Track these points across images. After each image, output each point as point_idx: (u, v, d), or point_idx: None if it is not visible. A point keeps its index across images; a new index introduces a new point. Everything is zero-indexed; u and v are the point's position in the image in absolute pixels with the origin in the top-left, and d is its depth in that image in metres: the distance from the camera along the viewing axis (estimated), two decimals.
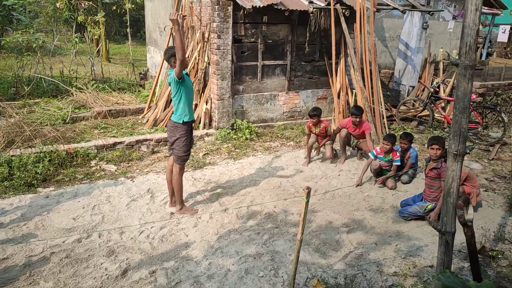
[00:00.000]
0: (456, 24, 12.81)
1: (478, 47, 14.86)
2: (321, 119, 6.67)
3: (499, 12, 14.07)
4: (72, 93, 9.18)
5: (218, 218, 4.78)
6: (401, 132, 6.41)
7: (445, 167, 4.61)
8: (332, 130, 6.89)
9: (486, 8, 13.49)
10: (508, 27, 18.37)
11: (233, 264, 3.90)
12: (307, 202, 3.22)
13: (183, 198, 4.98)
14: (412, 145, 7.59)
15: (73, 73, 10.57)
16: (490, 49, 16.53)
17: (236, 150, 7.08)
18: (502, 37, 18.17)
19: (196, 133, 7.47)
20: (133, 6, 13.27)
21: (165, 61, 4.62)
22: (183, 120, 4.57)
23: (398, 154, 5.92)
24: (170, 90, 4.76)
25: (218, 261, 3.95)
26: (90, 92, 9.30)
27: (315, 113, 6.45)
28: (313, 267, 3.91)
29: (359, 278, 3.77)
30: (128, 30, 13.11)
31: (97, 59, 12.26)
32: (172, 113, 4.71)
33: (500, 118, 8.36)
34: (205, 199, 5.26)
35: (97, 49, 12.73)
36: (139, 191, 5.38)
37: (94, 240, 4.25)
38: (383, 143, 5.91)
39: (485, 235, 4.51)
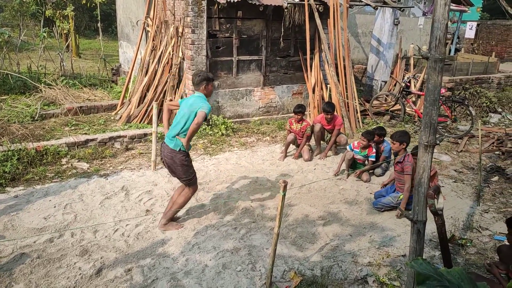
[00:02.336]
0: (426, 21, 13.15)
1: (447, 43, 15.28)
2: (304, 118, 6.66)
3: (466, 9, 14.53)
4: (40, 90, 8.89)
5: (195, 214, 4.75)
6: (375, 126, 6.55)
7: (408, 161, 4.74)
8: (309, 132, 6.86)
9: (454, 5, 13.90)
10: (474, 24, 19.01)
11: (210, 260, 3.89)
12: (284, 195, 3.25)
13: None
14: (385, 138, 7.78)
15: (42, 69, 10.22)
16: (458, 45, 17.05)
17: (212, 145, 7.04)
18: (469, 34, 18.79)
19: None
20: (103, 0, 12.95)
21: (193, 84, 4.34)
22: (180, 149, 4.19)
23: (374, 150, 6.04)
24: (178, 109, 4.37)
25: (195, 257, 3.93)
26: (60, 89, 9.03)
27: (300, 110, 6.47)
28: (290, 260, 3.94)
29: (335, 269, 3.83)
30: (99, 24, 12.77)
31: (66, 54, 11.88)
32: (166, 135, 4.28)
33: (468, 112, 8.66)
34: None
35: (67, 44, 12.34)
36: (113, 188, 5.27)
37: (67, 239, 4.14)
38: (361, 139, 6.00)
39: (454, 224, 4.67)
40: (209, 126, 7.56)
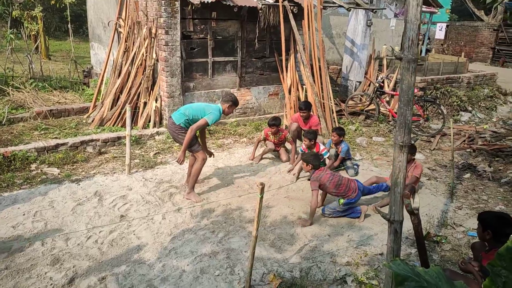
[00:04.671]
0: (398, 22, 13.42)
1: (418, 43, 15.68)
2: (280, 127, 6.56)
3: (436, 10, 14.94)
4: (8, 93, 8.55)
5: (171, 218, 4.65)
6: (335, 127, 6.63)
7: (313, 177, 4.68)
8: (290, 138, 6.74)
9: (425, 6, 14.25)
10: (444, 25, 19.58)
11: (188, 265, 3.81)
12: (261, 198, 3.21)
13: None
14: (360, 137, 7.89)
15: (9, 71, 9.84)
16: (429, 46, 17.52)
17: None
18: (439, 34, 19.34)
19: (146, 132, 7.24)
20: (73, 0, 12.59)
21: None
22: (180, 124, 4.94)
23: (323, 147, 6.05)
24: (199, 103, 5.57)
25: (172, 262, 3.85)
26: (29, 92, 8.72)
27: (274, 123, 6.36)
28: (269, 262, 3.91)
29: (314, 270, 3.83)
30: (69, 25, 12.43)
31: (35, 56, 11.52)
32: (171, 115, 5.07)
33: (439, 111, 8.88)
34: (157, 199, 5.10)
35: (35, 45, 11.94)
36: (86, 194, 5.11)
37: (37, 248, 3.97)
38: (304, 139, 5.98)
39: (429, 222, 4.76)
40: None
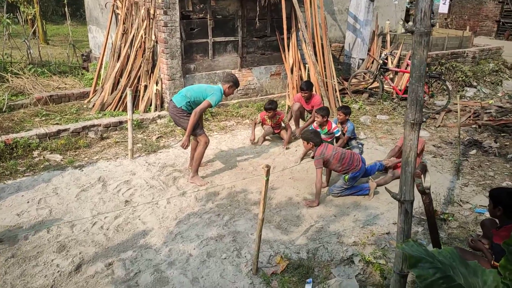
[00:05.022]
0: None
1: (431, 16, 15.33)
2: (277, 111, 6.44)
3: None
4: (7, 79, 8.45)
5: (176, 202, 4.62)
6: (339, 105, 6.50)
7: (316, 155, 4.62)
8: (287, 122, 6.65)
9: None
10: None
11: (194, 249, 3.80)
12: (267, 180, 3.16)
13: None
14: (364, 116, 7.80)
15: (7, 57, 9.71)
16: (432, 20, 17.14)
17: None
18: (443, 9, 18.91)
19: (148, 115, 7.17)
20: None
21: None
22: (182, 107, 4.86)
23: (334, 125, 5.94)
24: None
25: (179, 246, 3.83)
26: (28, 77, 8.61)
27: (271, 107, 6.24)
28: (275, 244, 3.89)
29: (320, 251, 3.81)
30: (66, 9, 12.18)
31: (33, 41, 11.33)
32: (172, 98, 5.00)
33: (444, 87, 8.73)
34: (161, 184, 5.07)
35: (33, 30, 11.75)
36: (89, 180, 5.08)
37: (43, 236, 3.96)
38: (316, 116, 5.92)
39: (436, 199, 4.71)
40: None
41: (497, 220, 3.02)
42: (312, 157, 4.93)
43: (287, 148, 6.31)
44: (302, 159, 5.87)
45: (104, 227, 4.12)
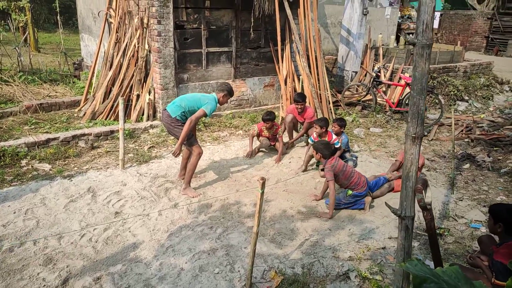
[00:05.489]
0: (393, 11, 13.27)
1: (412, 32, 15.53)
2: (274, 122, 6.34)
3: None
4: None
5: (168, 214, 4.51)
6: (335, 117, 6.49)
7: (327, 167, 4.60)
8: (281, 135, 6.58)
9: None
10: (438, 14, 19.44)
11: (186, 263, 3.69)
12: (262, 193, 3.08)
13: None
14: (358, 129, 7.79)
15: None
16: None
17: None
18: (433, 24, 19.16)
19: (140, 125, 7.07)
20: None
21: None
22: (176, 117, 4.79)
23: (335, 136, 5.88)
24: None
25: (170, 260, 3.72)
26: (18, 85, 8.49)
27: (269, 117, 6.15)
28: (269, 259, 3.80)
29: (316, 266, 3.72)
30: (58, 17, 12.10)
31: (24, 49, 11.20)
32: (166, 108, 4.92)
33: (437, 100, 8.78)
34: (152, 195, 4.96)
35: (24, 37, 11.63)
36: (78, 190, 4.95)
37: (29, 248, 3.82)
38: (314, 127, 5.89)
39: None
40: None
41: (495, 237, 2.97)
42: (322, 170, 4.89)
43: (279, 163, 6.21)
44: (304, 170, 5.81)
45: (93, 240, 3.99)
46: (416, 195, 2.12)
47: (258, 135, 6.43)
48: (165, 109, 4.89)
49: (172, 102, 4.95)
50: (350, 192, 4.71)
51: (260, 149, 6.55)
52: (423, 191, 2.12)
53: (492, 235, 3.10)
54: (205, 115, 4.79)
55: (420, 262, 1.70)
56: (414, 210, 2.18)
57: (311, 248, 4.00)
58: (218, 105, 4.99)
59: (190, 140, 4.87)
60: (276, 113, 7.54)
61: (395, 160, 5.54)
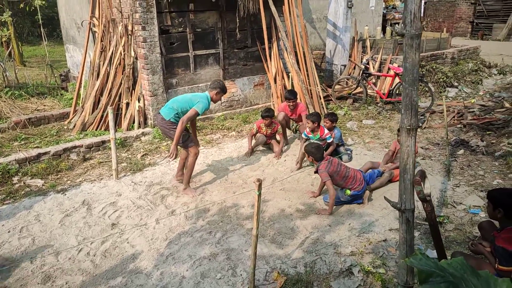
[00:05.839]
0: (377, 2, 13.27)
1: (398, 22, 15.59)
2: (273, 119, 6.38)
3: None
4: None
5: (165, 222, 4.46)
6: (326, 112, 6.49)
7: (320, 169, 4.59)
8: (281, 131, 6.59)
9: None
10: (422, 2, 19.48)
11: (187, 270, 3.64)
12: (259, 194, 3.05)
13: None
14: (350, 122, 7.77)
15: None
16: None
17: None
18: None
19: (131, 133, 6.99)
20: (43, 2, 12.08)
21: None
22: (170, 119, 4.80)
23: (327, 131, 5.87)
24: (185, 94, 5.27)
25: (171, 269, 3.67)
26: (5, 101, 8.35)
27: (268, 114, 6.19)
28: (271, 260, 3.76)
29: (318, 263, 3.69)
30: (42, 29, 11.95)
31: (9, 63, 11.05)
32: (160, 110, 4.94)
33: (426, 88, 8.80)
34: (148, 203, 4.90)
35: (8, 52, 11.48)
36: (73, 204, 4.87)
37: (26, 267, 3.75)
38: (306, 122, 5.87)
39: None
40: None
41: (495, 222, 2.96)
42: (316, 172, 4.87)
43: (278, 159, 6.21)
44: (299, 168, 5.78)
45: (91, 253, 3.93)
46: (415, 187, 2.10)
47: (256, 133, 6.41)
48: (159, 113, 4.90)
49: (164, 106, 4.97)
50: (348, 192, 4.69)
51: (256, 148, 6.51)
52: (422, 183, 2.10)
53: (492, 220, 3.08)
54: (197, 114, 4.79)
55: (425, 256, 1.67)
56: (413, 202, 2.15)
57: (312, 246, 3.97)
58: (211, 102, 4.99)
59: (186, 142, 4.87)
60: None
61: (388, 150, 5.54)
